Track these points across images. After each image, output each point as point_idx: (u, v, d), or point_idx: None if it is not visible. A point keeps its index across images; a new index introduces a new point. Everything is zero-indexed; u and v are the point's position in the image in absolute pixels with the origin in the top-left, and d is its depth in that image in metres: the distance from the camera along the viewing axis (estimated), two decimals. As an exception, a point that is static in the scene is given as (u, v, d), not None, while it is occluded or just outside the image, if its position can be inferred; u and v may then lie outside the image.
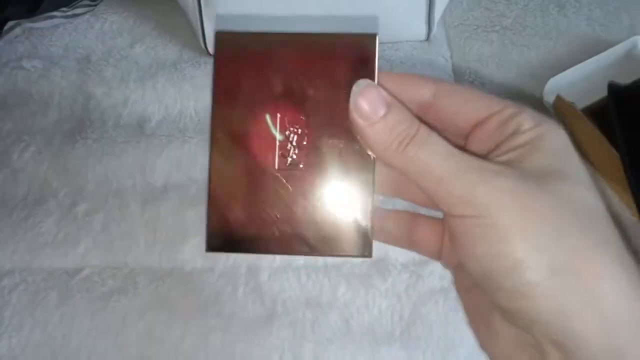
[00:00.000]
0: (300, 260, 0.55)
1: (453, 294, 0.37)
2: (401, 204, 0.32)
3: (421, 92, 0.28)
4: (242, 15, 0.60)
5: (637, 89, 0.56)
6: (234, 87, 0.30)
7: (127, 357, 0.52)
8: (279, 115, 0.29)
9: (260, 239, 0.29)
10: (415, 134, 0.26)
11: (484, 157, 0.26)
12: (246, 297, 0.54)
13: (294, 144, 0.29)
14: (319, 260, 0.55)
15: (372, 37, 0.29)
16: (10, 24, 0.64)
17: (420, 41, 0.67)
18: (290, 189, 0.29)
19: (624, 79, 0.57)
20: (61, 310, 0.53)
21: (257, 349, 0.52)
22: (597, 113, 0.58)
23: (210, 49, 0.64)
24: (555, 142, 0.26)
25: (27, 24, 0.66)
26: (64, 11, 0.66)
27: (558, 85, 0.60)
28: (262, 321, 0.53)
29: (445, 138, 0.26)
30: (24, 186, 0.59)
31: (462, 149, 0.26)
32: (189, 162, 0.59)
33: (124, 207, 0.57)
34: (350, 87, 0.28)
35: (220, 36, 0.30)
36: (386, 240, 0.31)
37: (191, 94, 0.63)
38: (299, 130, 0.29)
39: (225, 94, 0.30)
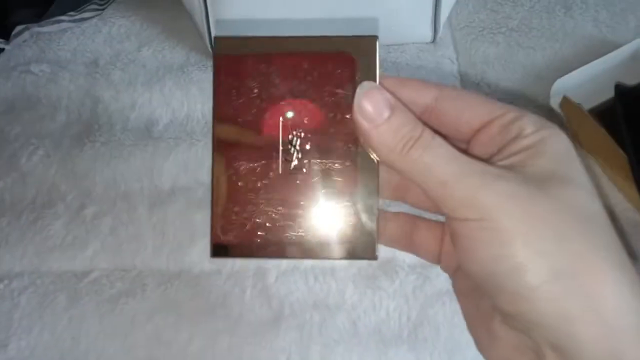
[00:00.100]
0: (307, 262, 0.55)
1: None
2: (402, 207, 0.32)
3: (423, 96, 0.28)
4: (242, 19, 0.60)
5: (643, 90, 0.56)
6: (235, 93, 0.30)
7: (135, 359, 0.52)
8: (281, 119, 0.29)
9: (265, 243, 0.29)
10: (420, 137, 0.26)
11: (487, 161, 0.26)
12: (253, 299, 0.54)
13: (297, 148, 0.29)
14: (326, 262, 0.55)
15: (373, 39, 0.29)
16: (18, 28, 0.64)
17: (426, 43, 0.67)
18: (294, 193, 0.29)
19: (631, 80, 0.57)
20: (70, 312, 0.54)
21: (265, 351, 0.52)
22: (604, 114, 0.57)
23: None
24: (557, 146, 0.26)
25: (35, 29, 0.66)
26: (71, 15, 0.66)
27: (564, 86, 0.60)
28: (270, 323, 0.53)
29: (448, 142, 0.26)
30: (32, 189, 0.59)
31: (465, 153, 0.26)
32: (196, 164, 0.60)
33: (132, 210, 0.58)
34: (352, 89, 0.28)
35: (219, 42, 0.30)
36: (386, 243, 0.31)
37: (198, 97, 0.64)
38: (302, 134, 0.29)
39: (226, 100, 0.30)
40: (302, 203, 0.29)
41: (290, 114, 0.29)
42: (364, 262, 0.54)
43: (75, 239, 0.57)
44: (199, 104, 0.63)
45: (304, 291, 0.54)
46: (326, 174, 0.29)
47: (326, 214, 0.29)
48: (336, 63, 0.29)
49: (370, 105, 0.27)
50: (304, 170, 0.29)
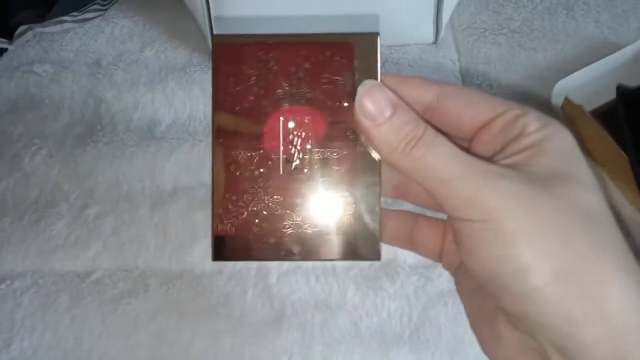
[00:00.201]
0: (309, 262, 0.55)
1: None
2: (403, 206, 0.32)
3: (425, 95, 0.28)
4: (243, 16, 0.60)
5: (645, 91, 0.56)
6: (234, 92, 0.29)
7: (138, 359, 0.52)
8: (281, 119, 0.29)
9: (267, 245, 0.29)
10: (422, 136, 0.26)
11: (489, 159, 0.26)
12: (255, 299, 0.54)
13: (298, 147, 0.29)
14: (328, 262, 0.55)
15: (374, 36, 0.29)
16: (21, 28, 0.64)
17: (428, 44, 0.67)
18: (296, 193, 0.29)
19: (633, 82, 0.57)
20: (72, 312, 0.54)
21: (266, 351, 0.52)
22: (606, 115, 0.57)
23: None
24: (561, 144, 0.25)
25: (38, 29, 0.66)
26: (74, 16, 0.67)
27: (566, 87, 0.60)
28: (271, 323, 0.53)
29: (450, 141, 0.26)
30: (35, 189, 0.59)
31: (467, 151, 0.26)
32: (198, 165, 0.60)
33: (134, 210, 0.58)
34: (353, 87, 0.27)
35: (218, 40, 0.30)
36: (387, 241, 0.31)
37: (200, 97, 0.64)
38: (303, 134, 0.29)
39: (225, 100, 0.29)
40: (303, 204, 0.29)
41: (290, 113, 0.29)
42: (366, 263, 0.54)
43: (77, 239, 0.57)
44: (201, 104, 0.63)
45: (305, 291, 0.54)
46: (328, 174, 0.29)
47: (328, 215, 0.29)
48: (337, 60, 0.29)
49: (372, 104, 0.26)
50: (305, 170, 0.29)
